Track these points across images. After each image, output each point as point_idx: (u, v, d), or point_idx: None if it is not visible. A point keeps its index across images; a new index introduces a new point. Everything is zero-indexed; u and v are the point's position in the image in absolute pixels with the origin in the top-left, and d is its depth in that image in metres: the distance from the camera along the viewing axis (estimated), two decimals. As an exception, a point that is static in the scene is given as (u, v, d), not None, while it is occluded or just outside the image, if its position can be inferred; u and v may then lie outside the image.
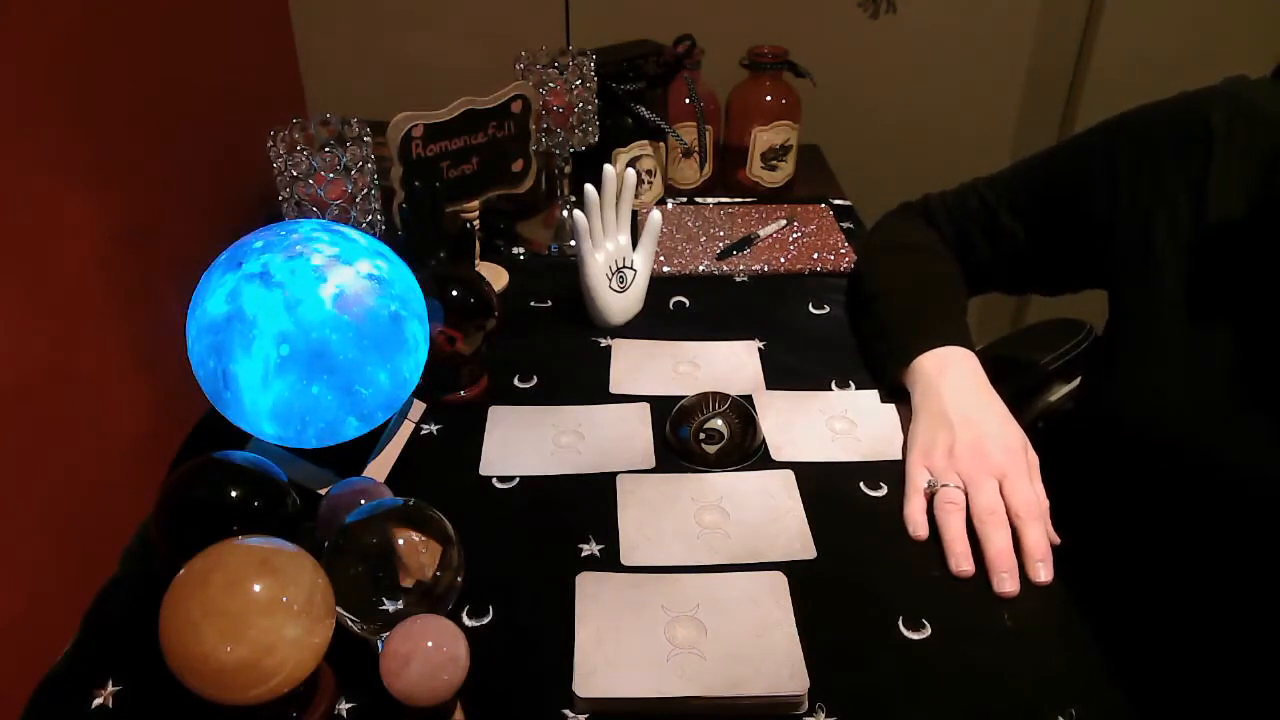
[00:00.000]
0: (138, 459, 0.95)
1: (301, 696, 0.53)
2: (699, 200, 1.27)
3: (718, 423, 0.76)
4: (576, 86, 1.02)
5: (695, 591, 0.63)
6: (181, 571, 0.49)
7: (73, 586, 0.67)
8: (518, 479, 0.74)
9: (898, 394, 0.82)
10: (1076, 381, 0.99)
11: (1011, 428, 0.72)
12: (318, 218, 0.81)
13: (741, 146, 1.31)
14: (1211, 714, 0.69)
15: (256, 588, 0.48)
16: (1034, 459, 0.71)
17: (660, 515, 0.70)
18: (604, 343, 0.92)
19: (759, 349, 0.91)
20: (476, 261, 1.02)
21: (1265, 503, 0.63)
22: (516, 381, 0.86)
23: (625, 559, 0.66)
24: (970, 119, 1.59)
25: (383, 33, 1.50)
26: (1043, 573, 0.64)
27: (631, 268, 0.93)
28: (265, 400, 0.64)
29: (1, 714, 0.66)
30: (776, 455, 0.76)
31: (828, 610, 0.62)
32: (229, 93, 1.23)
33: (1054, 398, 1.00)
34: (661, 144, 1.23)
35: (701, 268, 1.06)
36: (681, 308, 1.00)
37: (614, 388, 0.85)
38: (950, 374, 0.76)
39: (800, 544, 0.67)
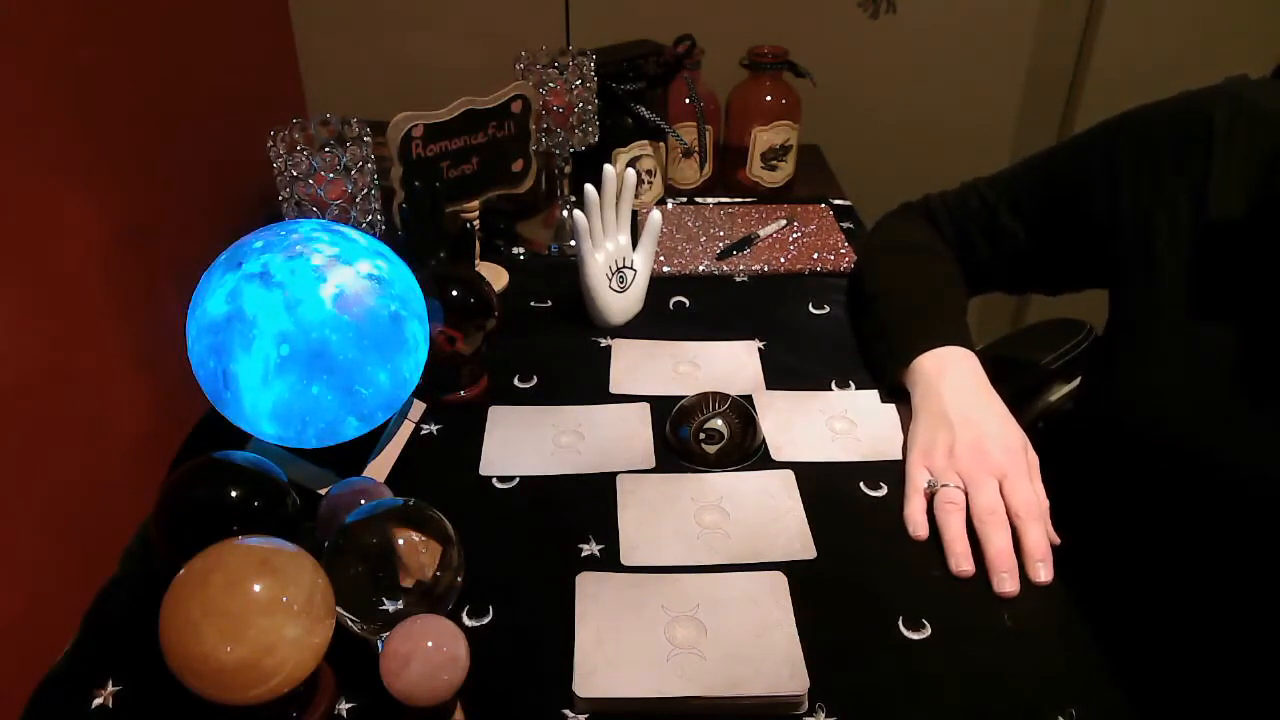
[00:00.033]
0: (138, 459, 0.95)
1: (301, 696, 0.53)
2: (699, 200, 1.27)
3: (718, 423, 0.76)
4: (576, 86, 1.02)
5: (695, 591, 0.63)
6: (181, 571, 0.49)
7: (73, 586, 0.67)
8: (518, 479, 0.74)
9: (898, 394, 0.82)
10: (1076, 381, 0.99)
11: (1011, 428, 0.72)
12: (318, 218, 0.81)
13: (741, 146, 1.31)
14: (1211, 714, 0.69)
15: (256, 588, 0.48)
16: (1034, 459, 0.71)
17: (660, 515, 0.70)
18: (604, 343, 0.92)
19: (759, 349, 0.91)
20: (476, 261, 1.02)
21: (1265, 503, 0.63)
22: (516, 381, 0.86)
23: (625, 559, 0.66)
24: (970, 119, 1.59)
25: (383, 33, 1.50)
26: (1043, 573, 0.64)
27: (631, 268, 0.93)
28: (265, 400, 0.64)
29: (1, 714, 0.66)
30: (776, 455, 0.76)
31: (828, 610, 0.62)
32: (229, 93, 1.23)
33: (1054, 398, 1.00)
34: (661, 144, 1.23)
35: (701, 268, 1.06)
36: (681, 308, 1.00)
37: (614, 388, 0.85)
38: (950, 374, 0.76)
39: (800, 544, 0.67)
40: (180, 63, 1.10)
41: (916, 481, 0.71)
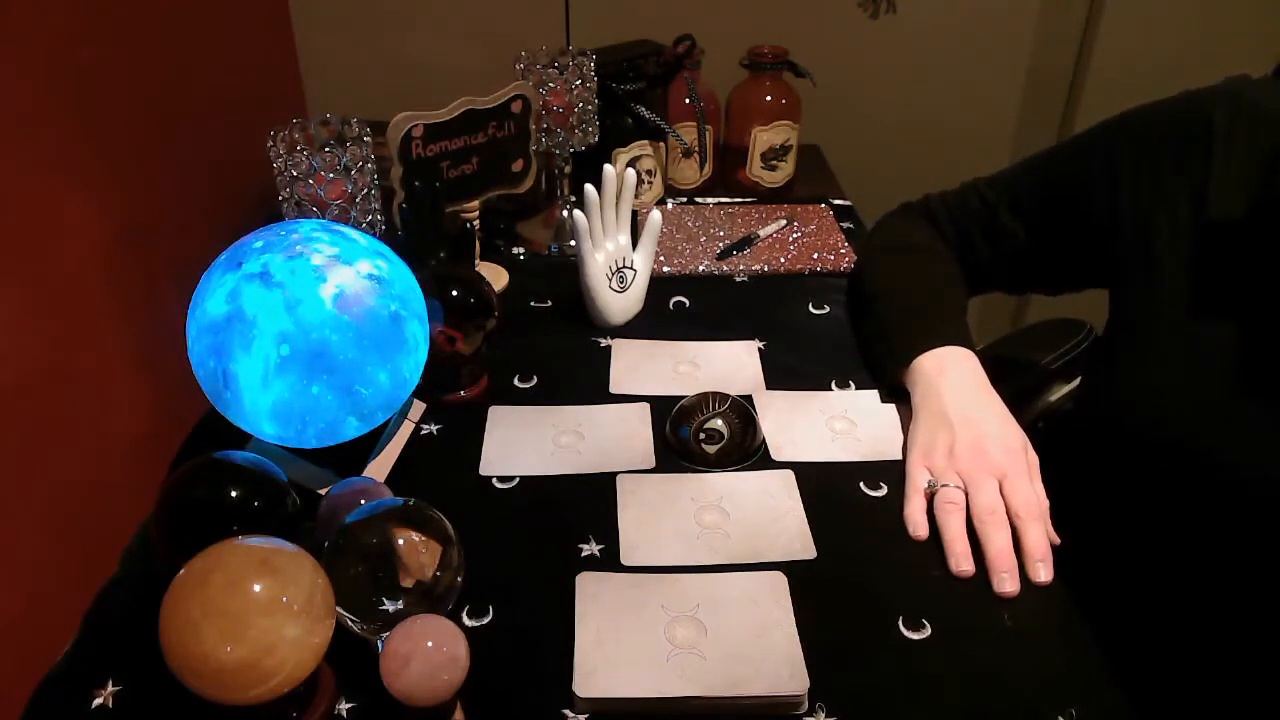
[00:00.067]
0: (138, 459, 0.95)
1: (301, 696, 0.53)
2: (699, 200, 1.27)
3: (718, 423, 0.76)
4: (576, 86, 1.02)
5: (695, 591, 0.63)
6: (181, 571, 0.49)
7: (73, 586, 0.67)
8: (518, 479, 0.74)
9: (898, 394, 0.82)
10: (1076, 381, 0.99)
11: (1011, 428, 0.72)
12: (318, 218, 0.81)
13: (741, 146, 1.31)
14: (1211, 714, 0.69)
15: (256, 588, 0.48)
16: (1034, 459, 0.71)
17: (660, 515, 0.70)
18: (604, 343, 0.92)
19: (759, 349, 0.91)
20: (476, 261, 1.02)
21: (1265, 502, 0.63)
22: (516, 381, 0.86)
23: (625, 559, 0.66)
24: (970, 119, 1.59)
25: (383, 33, 1.50)
26: (1043, 573, 0.64)
27: (631, 268, 0.93)
28: (265, 400, 0.64)
29: (1, 714, 0.66)
30: (776, 455, 0.76)
31: (828, 610, 0.62)
32: (229, 93, 1.23)
33: (1054, 398, 1.00)
34: (661, 144, 1.23)
35: (701, 268, 1.06)
36: (681, 308, 1.00)
37: (614, 388, 0.85)
38: (950, 374, 0.76)
39: (800, 544, 0.67)
40: (180, 63, 1.10)
41: (916, 481, 0.71)
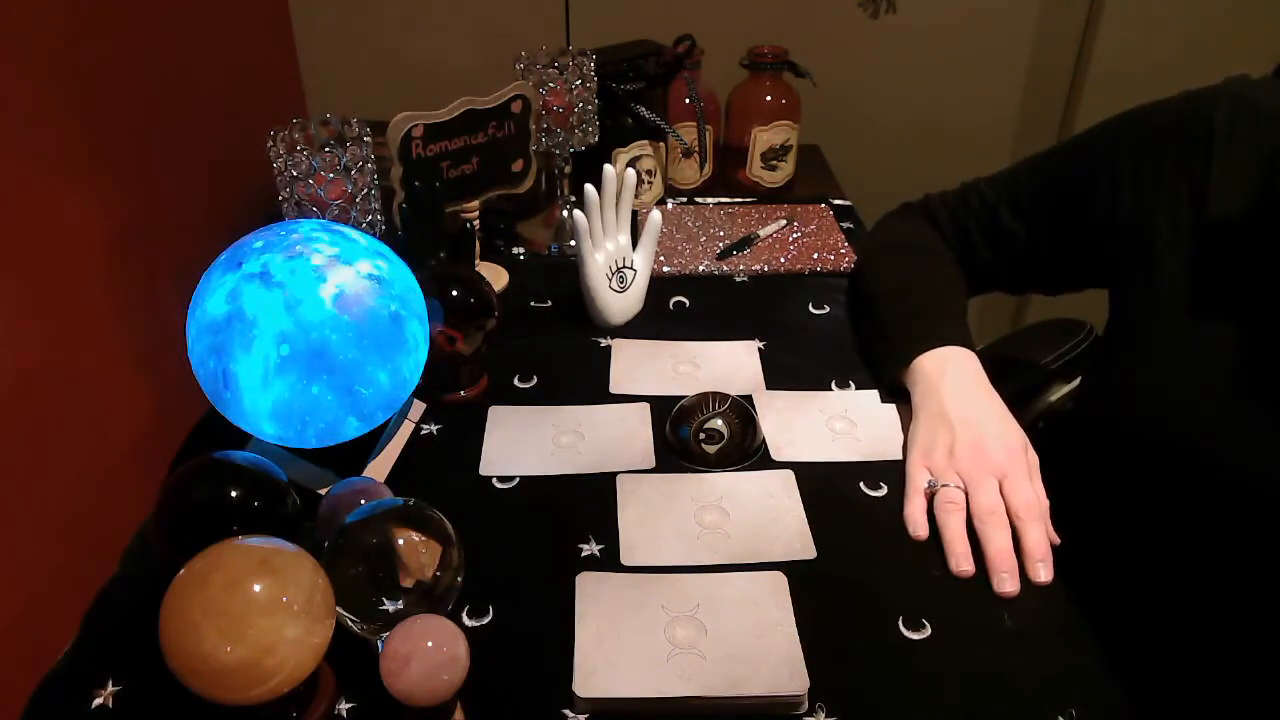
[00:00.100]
0: (138, 459, 0.95)
1: (301, 696, 0.53)
2: (699, 200, 1.27)
3: (718, 423, 0.76)
4: (576, 86, 1.02)
5: (695, 591, 0.63)
6: (181, 571, 0.49)
7: (73, 586, 0.67)
8: (518, 479, 0.74)
9: (898, 394, 0.82)
10: (1076, 381, 0.99)
11: (1011, 428, 0.72)
12: (318, 218, 0.81)
13: (741, 146, 1.31)
14: (1211, 714, 0.69)
15: (256, 588, 0.48)
16: (1034, 459, 0.71)
17: (660, 515, 0.70)
18: (604, 343, 0.92)
19: (759, 349, 0.91)
20: (476, 261, 1.02)
21: (1266, 503, 0.63)
22: (516, 381, 0.86)
23: (625, 559, 0.66)
24: (970, 119, 1.59)
25: (383, 33, 1.50)
26: (1043, 573, 0.64)
27: (631, 268, 0.93)
28: (265, 400, 0.64)
29: (1, 714, 0.66)
30: (776, 455, 0.76)
31: (828, 610, 0.62)
32: (229, 93, 1.23)
33: (1054, 398, 1.00)
34: (661, 144, 1.23)
35: (701, 268, 1.06)
36: (681, 308, 1.00)
37: (614, 388, 0.85)
38: (950, 374, 0.76)
39: (800, 544, 0.67)
40: (180, 63, 1.10)
41: (916, 481, 0.71)
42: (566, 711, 0.55)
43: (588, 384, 0.85)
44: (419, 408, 0.81)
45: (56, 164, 0.86)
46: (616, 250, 0.92)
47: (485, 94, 0.94)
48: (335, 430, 0.67)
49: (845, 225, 1.17)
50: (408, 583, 0.54)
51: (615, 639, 0.59)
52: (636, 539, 0.67)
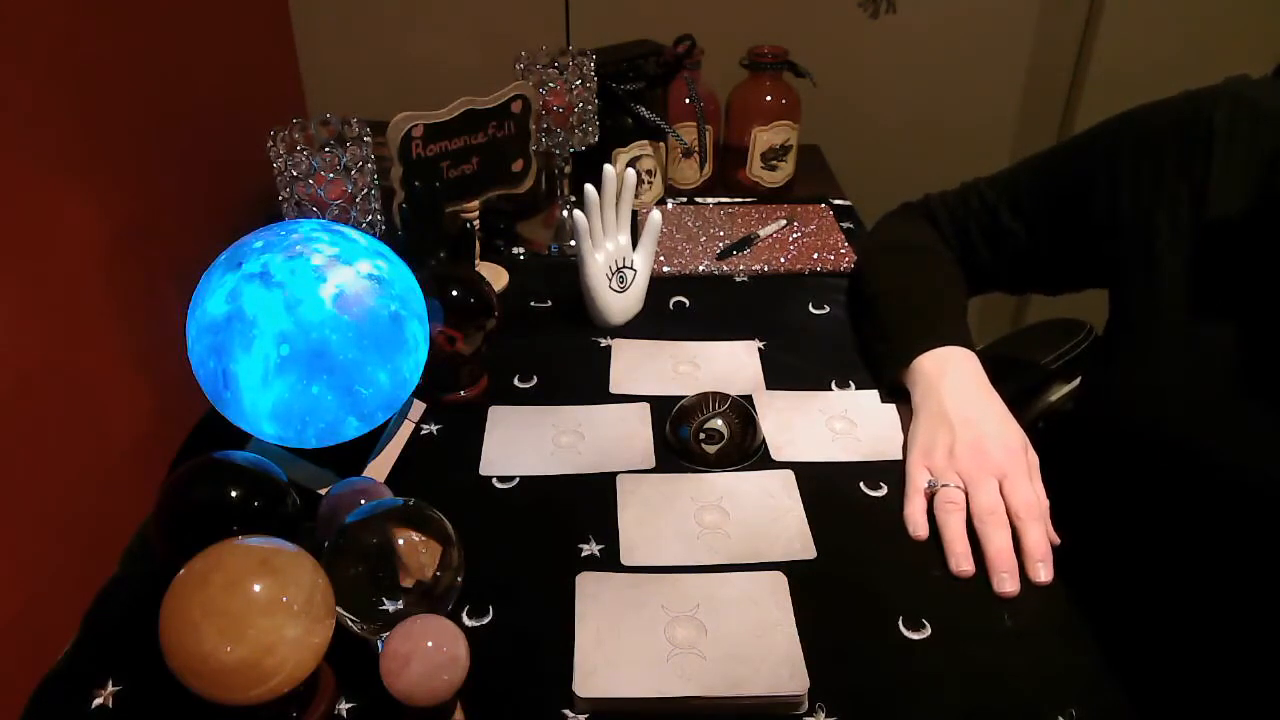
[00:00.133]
0: (138, 459, 0.95)
1: (301, 696, 0.53)
2: (699, 200, 1.27)
3: (718, 423, 0.76)
4: (576, 86, 1.02)
5: (695, 591, 0.63)
6: (181, 571, 0.49)
7: (73, 586, 0.67)
8: (518, 479, 0.74)
9: (898, 394, 0.82)
10: (1076, 381, 0.99)
11: (1011, 428, 0.72)
12: (318, 218, 0.81)
13: (741, 146, 1.31)
14: (1211, 714, 0.69)
15: (256, 588, 0.48)
16: (1034, 459, 0.71)
17: (660, 515, 0.70)
18: (604, 343, 0.92)
19: (759, 349, 0.91)
20: (476, 261, 1.02)
21: (1265, 503, 0.63)
22: (516, 381, 0.86)
23: (625, 559, 0.66)
24: (970, 119, 1.59)
25: (383, 33, 1.50)
26: (1043, 573, 0.64)
27: (631, 268, 0.93)
28: (265, 400, 0.64)
29: (1, 714, 0.66)
30: (776, 455, 0.76)
31: (828, 610, 0.62)
32: (229, 93, 1.23)
33: (1054, 398, 1.00)
34: (661, 144, 1.23)
35: (701, 268, 1.06)
36: (681, 308, 1.00)
37: (614, 388, 0.85)
38: (950, 374, 0.76)
39: (800, 544, 0.67)
40: (180, 63, 1.10)
41: (916, 481, 0.71)
42: (566, 711, 0.55)
43: (588, 384, 0.85)
44: (419, 408, 0.81)
45: (56, 164, 0.86)
46: (616, 250, 0.92)
47: (485, 94, 0.94)
48: (335, 430, 0.67)
49: (845, 225, 1.17)
50: (408, 583, 0.54)
51: (615, 639, 0.59)
52: (636, 539, 0.67)
